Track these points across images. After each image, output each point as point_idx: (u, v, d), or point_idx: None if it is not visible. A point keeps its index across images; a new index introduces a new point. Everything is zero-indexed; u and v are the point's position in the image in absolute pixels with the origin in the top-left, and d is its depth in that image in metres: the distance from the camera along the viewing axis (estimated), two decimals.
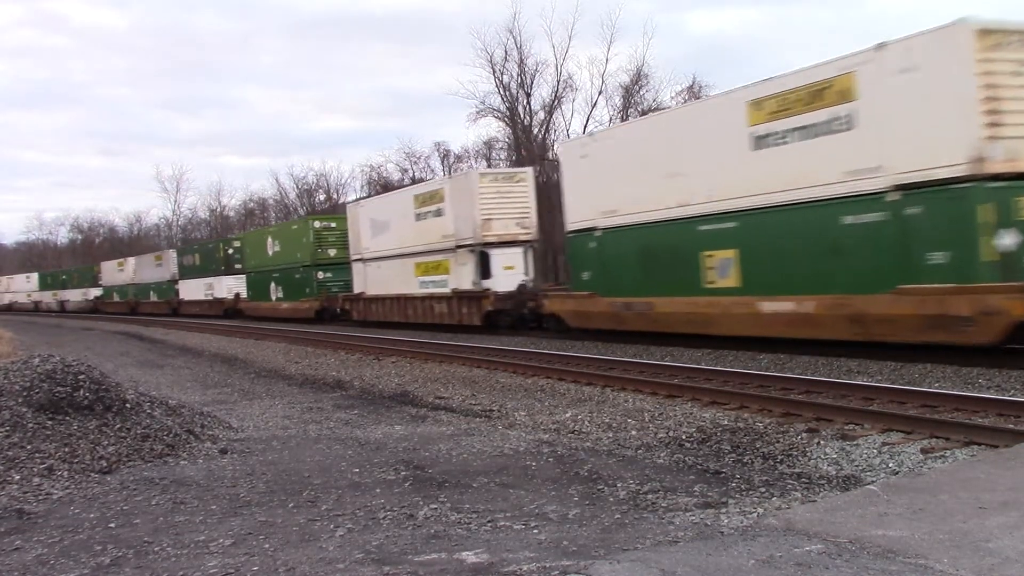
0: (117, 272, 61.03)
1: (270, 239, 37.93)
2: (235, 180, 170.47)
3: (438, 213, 25.32)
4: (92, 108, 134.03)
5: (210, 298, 44.16)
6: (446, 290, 24.83)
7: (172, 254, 52.05)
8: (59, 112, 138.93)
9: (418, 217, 26.53)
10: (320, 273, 33.47)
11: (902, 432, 7.97)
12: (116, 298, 60.52)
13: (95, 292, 64.68)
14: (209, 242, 53.61)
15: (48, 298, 74.56)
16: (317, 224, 34.68)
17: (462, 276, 24.08)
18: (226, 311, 41.86)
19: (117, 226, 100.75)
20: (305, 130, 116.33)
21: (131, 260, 59.32)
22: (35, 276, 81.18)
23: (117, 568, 4.99)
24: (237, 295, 41.27)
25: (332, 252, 33.55)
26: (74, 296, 68.90)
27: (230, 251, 43.00)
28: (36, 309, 76.23)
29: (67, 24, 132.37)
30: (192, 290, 46.99)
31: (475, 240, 23.62)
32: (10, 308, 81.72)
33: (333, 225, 34.14)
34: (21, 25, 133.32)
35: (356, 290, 30.84)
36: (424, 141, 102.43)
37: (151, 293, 53.77)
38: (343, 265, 32.45)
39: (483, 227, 23.47)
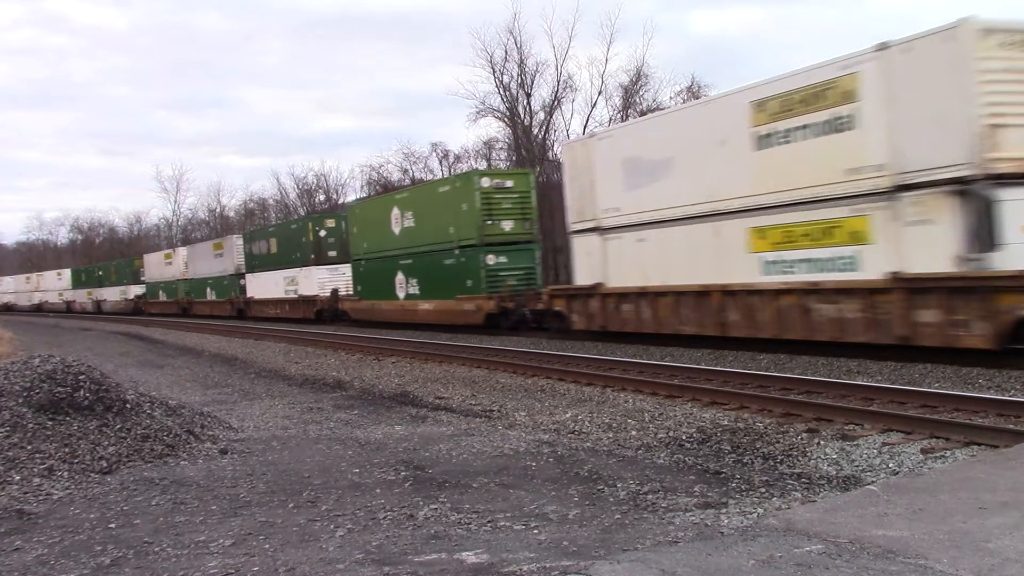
0: (164, 266, 51.76)
1: (397, 210, 27.30)
2: (235, 180, 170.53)
3: (839, 124, 12.83)
4: (92, 108, 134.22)
5: (293, 296, 34.53)
6: (849, 275, 12.84)
7: (237, 241, 41.70)
8: (59, 112, 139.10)
9: (769, 141, 13.98)
10: (491, 258, 22.97)
11: (902, 432, 7.97)
12: (163, 296, 51.73)
13: (136, 290, 56.36)
14: (292, 222, 41.02)
15: (82, 297, 66.46)
16: (486, 183, 23.38)
17: (914, 245, 11.93)
18: (320, 313, 32.37)
19: (117, 226, 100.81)
20: (306, 130, 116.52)
21: (182, 251, 50.63)
22: (67, 273, 72.58)
23: (117, 568, 5.00)
24: (335, 292, 31.84)
25: (507, 226, 23.25)
26: (111, 295, 60.55)
27: (322, 233, 33.18)
28: (69, 310, 68.57)
29: (68, 24, 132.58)
30: (265, 286, 37.22)
31: (968, 168, 11.11)
32: (40, 309, 74.48)
33: (510, 184, 23.59)
34: (22, 25, 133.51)
35: (583, 281, 18.98)
36: (424, 141, 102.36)
37: (208, 290, 44.52)
38: (525, 247, 23.53)
39: (988, 138, 10.99)
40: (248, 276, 39.53)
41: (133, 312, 55.34)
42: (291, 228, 36.40)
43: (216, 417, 10.24)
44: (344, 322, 31.05)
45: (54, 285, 73.89)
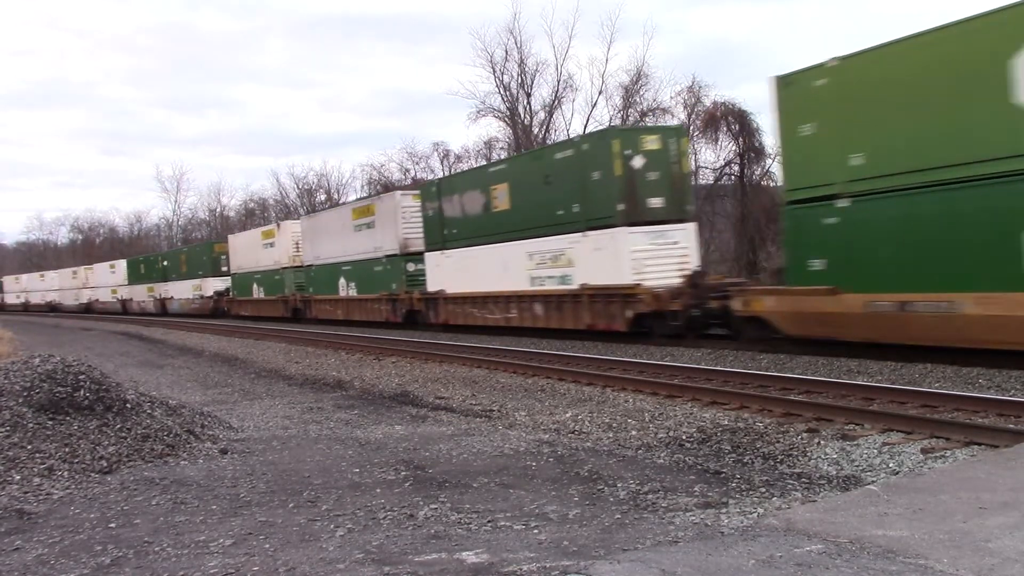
0: (260, 248, 37.38)
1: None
2: (235, 180, 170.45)
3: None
4: (93, 108, 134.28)
5: (562, 289, 19.35)
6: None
7: (403, 201, 26.91)
8: (60, 112, 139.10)
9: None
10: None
11: (902, 432, 7.97)
12: (259, 293, 37.78)
13: (216, 284, 43.98)
14: (558, 146, 21.95)
15: (142, 295, 54.98)
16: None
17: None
18: (640, 321, 17.44)
19: (117, 226, 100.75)
20: (307, 130, 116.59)
21: (291, 226, 35.69)
22: (122, 265, 59.58)
23: (117, 568, 4.99)
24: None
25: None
26: (181, 291, 48.51)
27: (635, 163, 17.87)
28: (125, 311, 56.79)
29: (69, 23, 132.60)
30: (478, 271, 22.47)
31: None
32: (89, 310, 62.72)
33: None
34: (23, 24, 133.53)
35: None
36: (425, 141, 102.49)
37: (343, 282, 29.81)
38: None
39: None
40: (435, 256, 24.39)
41: (213, 314, 42.87)
42: (554, 159, 19.82)
43: (216, 417, 10.24)
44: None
45: (106, 280, 61.34)
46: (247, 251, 40.20)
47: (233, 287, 41.89)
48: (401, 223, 26.95)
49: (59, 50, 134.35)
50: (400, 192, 29.24)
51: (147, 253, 66.53)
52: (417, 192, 27.41)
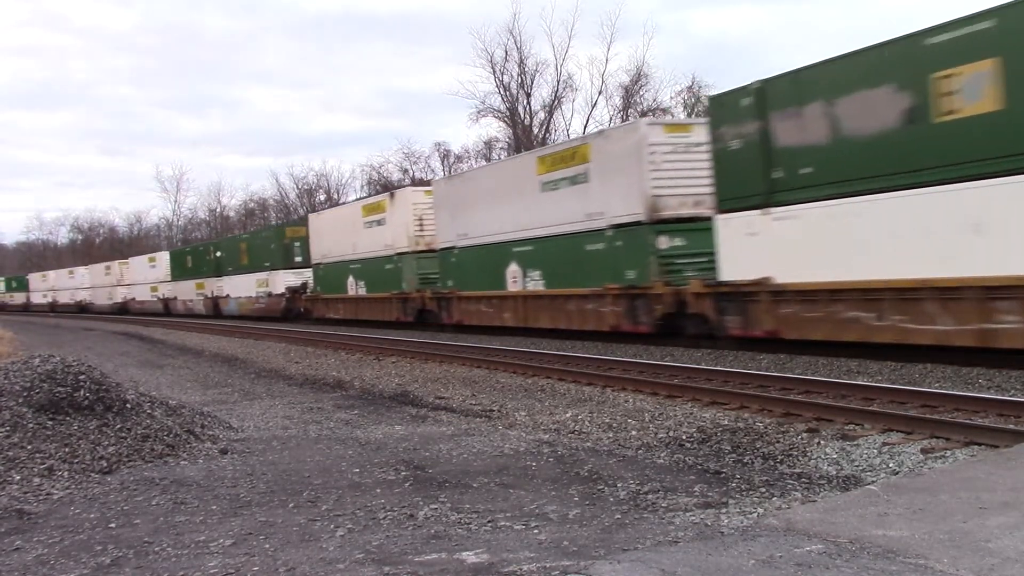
0: (360, 229, 28.26)
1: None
2: (235, 180, 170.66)
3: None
4: (94, 108, 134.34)
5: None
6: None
7: (644, 135, 16.82)
8: (61, 112, 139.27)
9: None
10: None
11: (902, 432, 7.97)
12: (356, 288, 28.49)
13: (290, 278, 34.61)
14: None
15: (189, 292, 46.34)
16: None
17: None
18: None
19: (117, 226, 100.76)
20: (308, 130, 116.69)
21: (411, 195, 26.69)
22: (164, 258, 51.11)
23: (117, 568, 4.99)
24: None
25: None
26: (241, 287, 39.15)
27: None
28: (167, 311, 49.05)
29: (69, 23, 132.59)
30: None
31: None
32: (124, 310, 55.43)
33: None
34: (23, 24, 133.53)
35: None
36: (425, 141, 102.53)
37: (514, 269, 20.85)
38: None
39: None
40: (747, 220, 13.94)
41: (284, 317, 34.09)
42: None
43: (216, 417, 10.24)
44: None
45: (144, 275, 53.08)
46: (339, 233, 29.95)
47: (316, 282, 32.09)
48: (650, 169, 16.38)
49: (59, 50, 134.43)
50: (647, 121, 20.00)
51: (199, 242, 58.58)
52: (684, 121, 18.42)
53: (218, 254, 43.48)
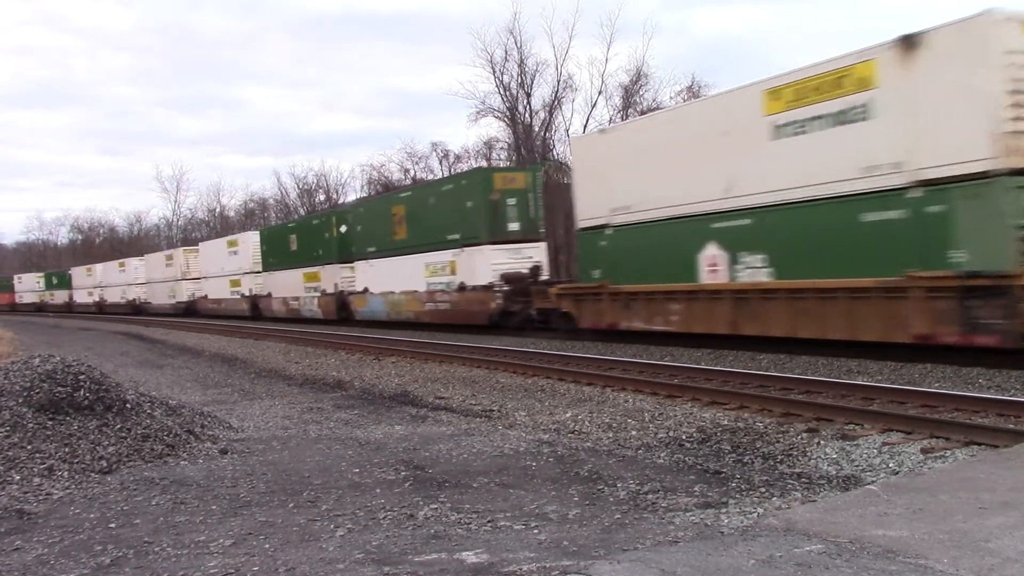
0: (788, 138, 13.34)
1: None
2: (235, 180, 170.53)
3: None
4: (94, 107, 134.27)
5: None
6: None
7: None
8: (61, 112, 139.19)
9: None
10: None
11: (902, 432, 7.97)
12: (749, 268, 14.32)
13: (506, 260, 22.37)
14: None
15: (291, 286, 33.82)
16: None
17: None
18: None
19: (117, 226, 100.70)
20: (308, 129, 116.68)
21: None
22: (251, 241, 38.65)
23: (117, 568, 4.99)
24: None
25: None
26: (396, 277, 26.69)
27: None
28: (256, 312, 37.08)
29: (70, 23, 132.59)
30: None
31: None
32: (192, 310, 44.19)
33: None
34: (23, 24, 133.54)
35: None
36: (425, 141, 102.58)
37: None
38: None
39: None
40: None
41: (496, 323, 21.83)
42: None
43: (216, 417, 10.24)
44: None
45: (221, 265, 41.29)
46: (677, 155, 16.01)
47: (587, 262, 18.52)
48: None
49: (59, 50, 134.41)
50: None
51: (312, 215, 43.83)
52: None
53: (342, 229, 30.26)
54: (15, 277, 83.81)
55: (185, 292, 46.09)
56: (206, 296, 43.68)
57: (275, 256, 36.04)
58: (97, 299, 60.77)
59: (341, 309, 30.56)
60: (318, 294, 32.23)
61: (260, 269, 37.51)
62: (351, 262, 30.13)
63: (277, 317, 35.49)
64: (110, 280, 59.29)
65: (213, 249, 44.02)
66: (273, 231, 39.92)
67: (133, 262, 56.21)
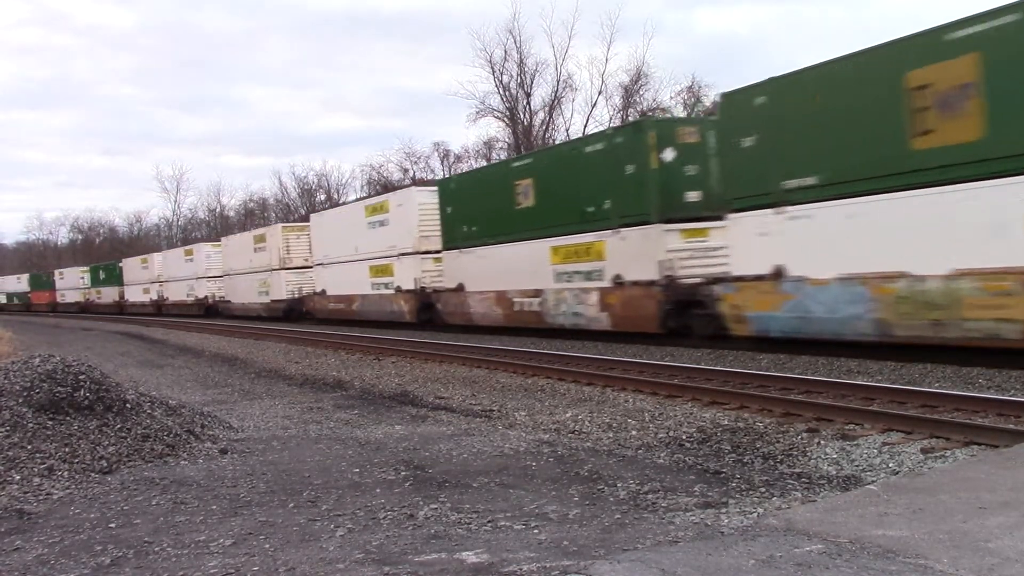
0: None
1: None
2: (235, 180, 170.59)
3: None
4: (95, 107, 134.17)
5: None
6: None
7: None
8: (62, 111, 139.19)
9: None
10: None
11: (902, 432, 7.97)
12: None
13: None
14: None
15: (521, 271, 19.69)
16: None
17: None
18: None
19: (117, 226, 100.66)
20: (308, 129, 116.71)
21: None
22: (408, 202, 25.12)
23: (117, 568, 4.99)
24: None
25: None
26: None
27: None
28: (425, 315, 24.32)
29: (71, 23, 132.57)
30: None
31: None
32: (294, 309, 33.47)
33: None
34: (24, 24, 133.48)
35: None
36: (425, 141, 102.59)
37: None
38: None
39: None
40: None
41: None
42: None
43: (216, 417, 10.24)
44: None
45: (343, 245, 29.00)
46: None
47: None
48: None
49: (60, 49, 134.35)
50: None
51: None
52: None
53: (665, 156, 16.40)
54: (56, 272, 69.75)
55: (283, 287, 34.03)
56: (323, 292, 30.83)
57: (454, 229, 22.67)
58: (155, 297, 49.20)
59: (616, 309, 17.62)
60: (598, 286, 17.62)
61: (436, 248, 24.03)
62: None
63: (481, 326, 22.01)
64: (172, 273, 47.24)
65: (336, 221, 30.41)
66: (478, 173, 25.45)
67: (206, 248, 44.60)
